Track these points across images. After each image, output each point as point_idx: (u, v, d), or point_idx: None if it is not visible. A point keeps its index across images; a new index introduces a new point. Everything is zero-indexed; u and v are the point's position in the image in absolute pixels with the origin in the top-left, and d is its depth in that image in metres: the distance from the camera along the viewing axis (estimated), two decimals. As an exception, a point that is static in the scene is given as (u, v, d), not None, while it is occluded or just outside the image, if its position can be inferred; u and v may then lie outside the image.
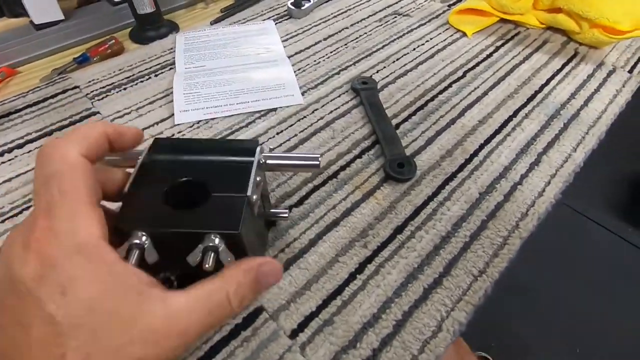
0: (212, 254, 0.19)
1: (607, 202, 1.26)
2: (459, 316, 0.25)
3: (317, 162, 0.24)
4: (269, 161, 0.24)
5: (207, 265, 0.19)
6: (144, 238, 0.19)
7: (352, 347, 0.24)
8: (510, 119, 0.38)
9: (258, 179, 0.22)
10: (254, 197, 0.21)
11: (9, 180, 0.33)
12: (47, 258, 0.15)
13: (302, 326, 0.24)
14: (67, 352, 0.14)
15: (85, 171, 0.17)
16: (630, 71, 0.44)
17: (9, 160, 0.34)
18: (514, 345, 0.98)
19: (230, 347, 0.23)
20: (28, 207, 0.31)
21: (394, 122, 0.38)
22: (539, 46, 0.48)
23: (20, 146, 0.35)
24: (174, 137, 0.23)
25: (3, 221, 0.30)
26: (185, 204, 0.20)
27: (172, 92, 0.41)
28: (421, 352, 0.23)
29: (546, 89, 0.42)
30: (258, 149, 0.23)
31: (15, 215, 0.30)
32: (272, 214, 0.28)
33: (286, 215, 0.28)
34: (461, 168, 0.34)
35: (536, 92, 0.41)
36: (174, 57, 0.46)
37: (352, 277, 0.27)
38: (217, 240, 0.19)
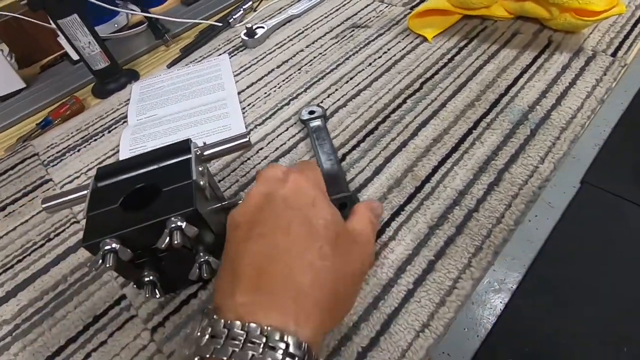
0: (178, 232, 0.21)
1: (636, 177, 1.14)
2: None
3: (247, 139, 0.27)
4: (205, 152, 0.27)
5: (176, 242, 0.21)
6: (113, 244, 0.21)
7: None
8: (469, 132, 0.35)
9: (200, 168, 0.25)
10: (201, 182, 0.24)
11: (-38, 263, 0.33)
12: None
13: None
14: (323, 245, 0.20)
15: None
16: (614, 54, 0.39)
17: (-34, 240, 0.35)
18: (550, 347, 0.90)
19: None
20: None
21: (341, 152, 0.36)
22: (508, 40, 0.44)
23: (-23, 224, 0.36)
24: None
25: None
26: (142, 207, 0.23)
27: (119, 149, 0.41)
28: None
29: (513, 90, 0.38)
30: (191, 145, 0.26)
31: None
32: (227, 202, 0.29)
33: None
34: (410, 199, 0.31)
35: (501, 96, 0.37)
36: (127, 110, 0.46)
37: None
38: (178, 222, 0.22)
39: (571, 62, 0.39)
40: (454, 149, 0.34)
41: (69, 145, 0.43)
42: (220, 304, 0.19)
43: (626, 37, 0.40)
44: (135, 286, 0.26)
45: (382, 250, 0.28)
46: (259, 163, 0.36)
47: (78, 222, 0.35)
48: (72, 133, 0.45)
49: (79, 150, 0.42)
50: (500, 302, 1.01)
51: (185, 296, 0.28)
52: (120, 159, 0.39)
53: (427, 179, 0.32)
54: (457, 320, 0.23)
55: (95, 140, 0.43)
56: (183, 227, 0.22)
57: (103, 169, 0.26)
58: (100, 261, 0.21)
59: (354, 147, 0.36)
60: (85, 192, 0.25)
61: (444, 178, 0.32)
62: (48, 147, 0.44)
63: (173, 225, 0.22)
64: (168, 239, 0.22)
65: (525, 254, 1.06)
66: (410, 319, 0.24)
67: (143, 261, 0.24)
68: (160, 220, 0.22)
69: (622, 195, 1.12)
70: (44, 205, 0.26)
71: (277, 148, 0.37)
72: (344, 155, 0.35)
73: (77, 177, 0.39)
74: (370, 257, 0.25)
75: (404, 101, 0.39)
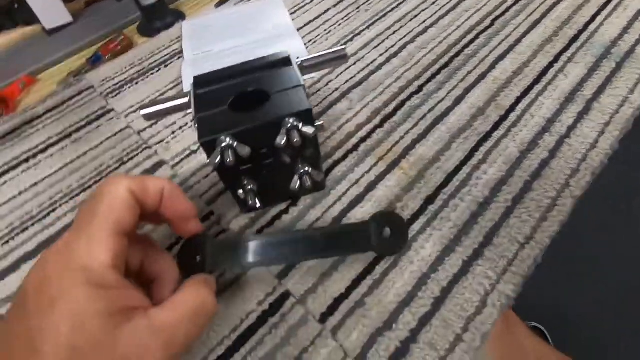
0: (295, 131, 0.21)
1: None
2: (505, 289, 0.22)
3: (344, 53, 0.27)
4: (304, 63, 0.26)
5: (295, 139, 0.21)
6: (229, 139, 0.21)
7: (388, 328, 0.22)
8: (550, 65, 0.34)
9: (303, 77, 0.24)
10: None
11: (35, 184, 0.33)
12: (49, 271, 0.15)
13: (331, 309, 0.23)
14: None
15: (124, 205, 0.17)
16: (696, -7, 0.38)
17: (34, 165, 0.35)
18: (570, 315, 0.92)
19: (258, 335, 0.22)
20: (55, 209, 0.31)
21: (417, 84, 0.35)
22: (580, -21, 0.42)
23: (43, 150, 0.36)
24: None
25: (33, 224, 0.30)
26: (251, 110, 0.22)
27: (181, 81, 0.40)
28: (465, 330, 0.21)
29: (592, 27, 0.36)
30: (291, 56, 0.26)
31: (43, 217, 0.31)
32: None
33: None
34: (496, 126, 0.30)
35: (580, 32, 0.36)
36: (181, 46, 0.45)
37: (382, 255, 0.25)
38: (293, 121, 0.21)
39: (651, 1, 0.38)
40: (536, 80, 0.33)
41: (125, 78, 0.42)
42: None
43: None
44: (232, 194, 0.26)
45: (475, 172, 0.28)
46: (330, 94, 0.36)
47: (150, 147, 0.34)
48: (125, 68, 0.44)
49: (137, 83, 0.41)
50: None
51: (277, 212, 0.28)
52: (185, 89, 0.39)
53: (512, 108, 0.31)
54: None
55: (153, 74, 0.42)
56: (300, 127, 0.21)
57: (201, 77, 0.25)
58: (219, 157, 0.21)
59: (429, 80, 0.35)
60: (184, 99, 0.25)
61: (529, 107, 0.31)
62: (103, 80, 0.43)
63: (289, 125, 0.21)
64: (286, 137, 0.21)
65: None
66: (513, 232, 0.24)
67: (245, 169, 0.24)
68: (278, 119, 0.21)
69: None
70: (142, 112, 0.25)
71: (347, 80, 0.37)
72: (420, 87, 0.34)
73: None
74: None
75: (477, 37, 0.38)
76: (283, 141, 0.21)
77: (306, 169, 0.25)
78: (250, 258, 0.23)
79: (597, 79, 0.32)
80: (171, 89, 0.40)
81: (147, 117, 0.25)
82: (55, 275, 0.15)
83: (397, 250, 0.24)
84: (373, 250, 0.24)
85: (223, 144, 0.21)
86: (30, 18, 0.48)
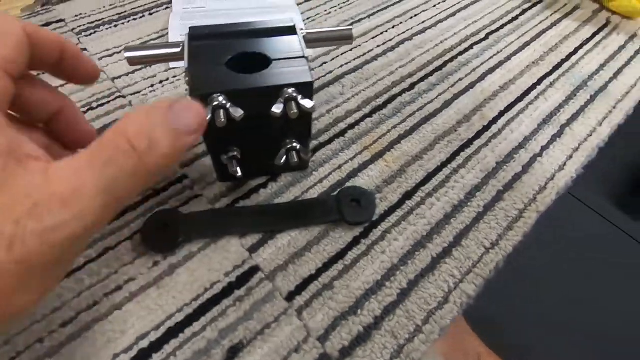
0: (294, 103, 0.20)
1: (607, 191, 1.25)
2: (467, 288, 0.23)
3: (350, 32, 0.26)
4: (309, 36, 0.25)
5: (293, 111, 0.20)
6: (222, 98, 0.20)
7: (353, 313, 0.22)
8: (534, 86, 0.36)
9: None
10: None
11: None
12: None
13: (299, 289, 0.23)
14: None
15: (14, 41, 0.15)
16: (665, 45, 0.41)
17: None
18: (501, 324, 0.99)
19: (222, 305, 0.22)
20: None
21: (409, 81, 0.35)
22: (569, 12, 0.44)
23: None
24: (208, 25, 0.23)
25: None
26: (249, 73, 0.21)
27: (167, 33, 0.37)
28: (426, 322, 0.22)
29: (574, 58, 0.39)
30: (296, 26, 0.24)
31: None
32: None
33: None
34: (478, 135, 0.31)
35: (563, 61, 0.38)
36: (171, -4, 0.42)
37: (355, 241, 0.25)
38: (292, 92, 0.21)
39: (627, 44, 0.41)
40: (520, 98, 0.34)
41: (102, 18, 0.39)
42: None
43: (678, 32, 0.43)
44: (213, 159, 0.24)
45: (454, 175, 0.28)
46: (324, 76, 0.35)
47: (124, 97, 0.32)
48: (104, 7, 0.40)
49: (116, 26, 0.38)
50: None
51: (255, 185, 0.27)
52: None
53: (494, 120, 0.32)
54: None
55: (135, 19, 0.39)
56: (299, 99, 0.21)
57: (198, 29, 0.23)
58: (210, 116, 0.20)
59: (421, 79, 0.35)
60: (176, 49, 0.23)
61: (510, 122, 0.32)
62: (77, 16, 0.39)
63: (288, 95, 0.21)
64: (283, 107, 0.20)
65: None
66: (481, 237, 0.25)
67: (232, 134, 0.23)
68: (277, 87, 0.21)
69: (596, 210, 1.21)
70: (126, 55, 0.23)
71: (341, 65, 0.36)
72: (413, 85, 0.35)
73: (118, 52, 0.35)
74: None
75: (471, 47, 0.39)
76: (279, 110, 0.20)
77: (294, 144, 0.24)
78: (224, 226, 0.23)
79: (572, 107, 0.34)
80: (155, 39, 0.37)
81: (132, 61, 0.23)
82: None
83: (365, 221, 0.25)
84: (343, 220, 0.25)
85: (215, 103, 0.20)
86: None
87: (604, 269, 1.08)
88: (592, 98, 0.35)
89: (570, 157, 0.30)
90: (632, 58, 0.39)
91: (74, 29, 0.37)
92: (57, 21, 0.38)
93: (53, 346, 0.20)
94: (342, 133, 0.31)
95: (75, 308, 0.21)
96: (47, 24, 0.37)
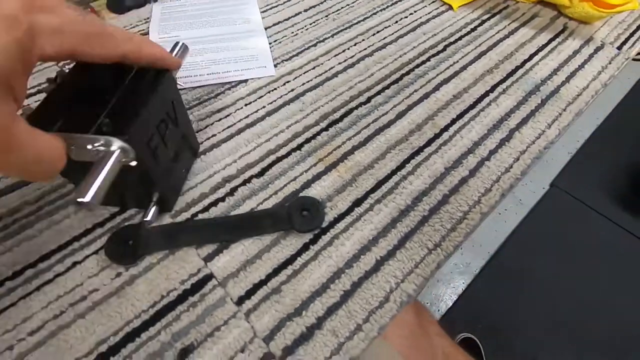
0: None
1: (606, 190, 1.24)
2: (407, 288, 0.25)
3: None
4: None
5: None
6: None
7: (298, 314, 0.24)
8: (486, 94, 0.37)
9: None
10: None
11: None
12: None
13: (249, 293, 0.24)
14: None
15: None
16: (620, 47, 0.43)
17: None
18: (501, 327, 0.99)
19: (177, 311, 0.24)
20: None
21: (367, 95, 0.37)
22: (527, 21, 0.46)
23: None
24: None
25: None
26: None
27: (142, 62, 0.40)
28: (366, 321, 0.23)
29: (528, 65, 0.40)
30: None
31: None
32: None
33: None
34: (429, 143, 0.33)
35: (517, 68, 0.40)
36: (149, 27, 0.45)
37: (305, 247, 0.27)
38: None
39: (582, 49, 0.42)
40: (472, 106, 0.36)
41: (84, 51, 0.42)
42: None
43: (632, 34, 0.44)
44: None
45: (402, 181, 0.30)
46: (286, 94, 0.37)
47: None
48: (87, 41, 0.43)
49: (96, 58, 0.41)
50: (463, 283, 1.09)
51: (213, 199, 0.29)
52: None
53: (446, 128, 0.34)
54: (422, 295, 0.25)
55: (114, 51, 0.42)
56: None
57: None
58: None
59: (378, 92, 0.37)
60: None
61: (461, 129, 0.34)
62: (61, 50, 0.42)
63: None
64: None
65: (491, 242, 1.14)
66: (424, 239, 0.27)
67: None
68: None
69: (586, 202, 1.21)
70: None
71: (303, 83, 0.38)
72: (369, 98, 0.37)
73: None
74: None
75: (428, 59, 0.41)
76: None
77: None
78: (181, 238, 0.25)
79: (522, 111, 0.35)
80: (131, 68, 0.40)
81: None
82: None
83: (314, 228, 0.27)
84: (293, 228, 0.26)
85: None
86: None
87: (611, 269, 1.06)
88: (543, 102, 0.36)
89: (517, 159, 0.32)
90: (585, 61, 0.41)
91: (61, 65, 0.41)
92: (44, 56, 0.41)
93: (21, 353, 0.22)
94: (299, 147, 0.33)
95: (43, 318, 0.23)
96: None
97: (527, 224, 1.16)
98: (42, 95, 0.25)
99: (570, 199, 1.22)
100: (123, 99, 0.23)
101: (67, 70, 0.25)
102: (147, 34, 0.44)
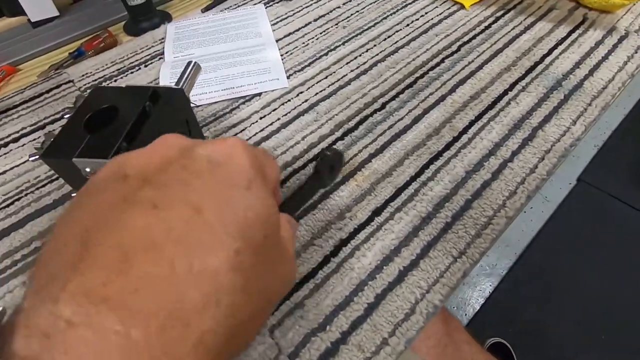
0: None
1: (637, 182, 1.18)
2: (433, 298, 0.24)
3: None
4: None
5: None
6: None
7: (322, 330, 0.23)
8: (505, 93, 0.36)
9: None
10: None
11: (3, 172, 0.34)
12: None
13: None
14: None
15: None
16: (646, 35, 0.41)
17: (4, 154, 0.36)
18: (532, 330, 0.95)
19: (201, 329, 0.24)
20: (19, 198, 0.32)
21: (381, 101, 0.37)
22: (544, 14, 0.45)
23: (15, 140, 0.37)
24: None
25: (-3, 211, 0.31)
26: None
27: (159, 82, 0.41)
28: (392, 335, 0.23)
29: (547, 60, 0.39)
30: None
31: (7, 206, 0.31)
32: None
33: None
34: (448, 146, 0.32)
35: (536, 64, 0.39)
36: (164, 47, 0.46)
37: (326, 260, 0.26)
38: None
39: (604, 39, 0.41)
40: (490, 106, 0.35)
41: (104, 75, 0.43)
42: (33, 305, 0.11)
43: (659, 20, 0.42)
44: None
45: (422, 188, 0.29)
46: (300, 105, 0.37)
47: (120, 144, 0.35)
48: (106, 65, 0.45)
49: (115, 80, 0.43)
50: (490, 285, 1.05)
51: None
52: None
53: (465, 130, 0.33)
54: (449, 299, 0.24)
55: (132, 72, 0.43)
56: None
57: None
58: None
59: (393, 98, 0.37)
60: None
61: (480, 131, 0.33)
62: (83, 75, 0.44)
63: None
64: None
65: (518, 242, 1.10)
66: (449, 247, 0.26)
67: None
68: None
69: (615, 195, 1.16)
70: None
71: (316, 93, 0.38)
72: (384, 104, 0.36)
73: (116, 104, 0.39)
74: (294, 278, 0.17)
75: (442, 61, 0.40)
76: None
77: None
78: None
79: (545, 108, 0.34)
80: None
81: None
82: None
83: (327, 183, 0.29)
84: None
85: None
86: (16, 9, 0.49)
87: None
88: (566, 98, 0.35)
89: (542, 159, 0.31)
90: (609, 52, 0.39)
91: (80, 87, 0.42)
92: (67, 82, 0.43)
93: None
94: (316, 157, 0.32)
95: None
96: (58, 86, 0.43)
97: (554, 221, 1.12)
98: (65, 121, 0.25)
99: (599, 193, 1.17)
100: (140, 122, 0.23)
101: (85, 94, 0.26)
102: (162, 54, 0.46)
